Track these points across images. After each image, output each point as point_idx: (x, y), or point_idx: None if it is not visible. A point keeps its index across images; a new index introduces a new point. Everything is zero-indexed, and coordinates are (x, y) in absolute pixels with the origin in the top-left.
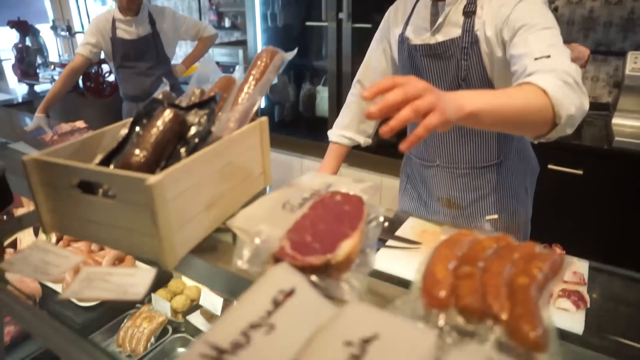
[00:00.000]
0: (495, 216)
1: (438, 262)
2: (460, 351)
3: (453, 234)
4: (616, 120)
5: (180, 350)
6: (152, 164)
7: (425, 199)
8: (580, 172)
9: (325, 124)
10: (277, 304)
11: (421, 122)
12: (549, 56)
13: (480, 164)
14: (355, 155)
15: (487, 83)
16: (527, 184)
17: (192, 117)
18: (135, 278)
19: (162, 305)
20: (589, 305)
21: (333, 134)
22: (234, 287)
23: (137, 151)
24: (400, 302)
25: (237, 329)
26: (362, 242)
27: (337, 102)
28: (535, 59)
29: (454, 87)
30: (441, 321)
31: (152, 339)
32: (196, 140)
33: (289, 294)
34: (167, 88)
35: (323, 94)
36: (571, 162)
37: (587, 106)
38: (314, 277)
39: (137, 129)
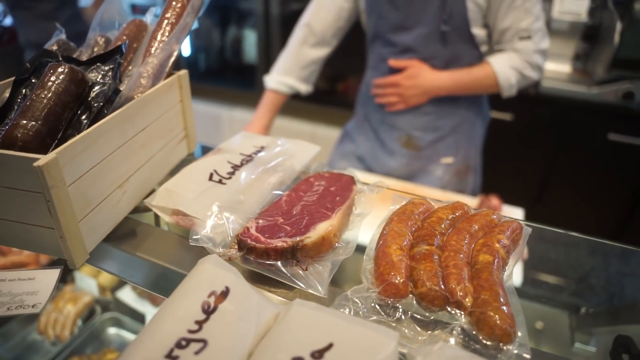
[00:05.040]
0: (451, 160)
1: (391, 241)
2: (425, 356)
3: (404, 203)
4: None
5: (112, 330)
6: (45, 138)
7: (383, 138)
8: (509, 117)
9: (253, 71)
10: (208, 311)
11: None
12: (529, 37)
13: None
14: (286, 104)
15: (466, 27)
16: (481, 127)
17: (95, 74)
18: (35, 283)
19: (88, 283)
20: (526, 257)
21: (272, 81)
22: (157, 279)
23: (23, 121)
24: (352, 293)
25: (162, 351)
26: (346, 224)
27: (266, 46)
28: (520, 38)
29: (436, 27)
30: (399, 313)
31: (79, 322)
32: (100, 103)
33: (222, 295)
34: (63, 36)
35: (250, 39)
36: (500, 107)
37: (535, 79)
38: (279, 264)
39: (24, 90)
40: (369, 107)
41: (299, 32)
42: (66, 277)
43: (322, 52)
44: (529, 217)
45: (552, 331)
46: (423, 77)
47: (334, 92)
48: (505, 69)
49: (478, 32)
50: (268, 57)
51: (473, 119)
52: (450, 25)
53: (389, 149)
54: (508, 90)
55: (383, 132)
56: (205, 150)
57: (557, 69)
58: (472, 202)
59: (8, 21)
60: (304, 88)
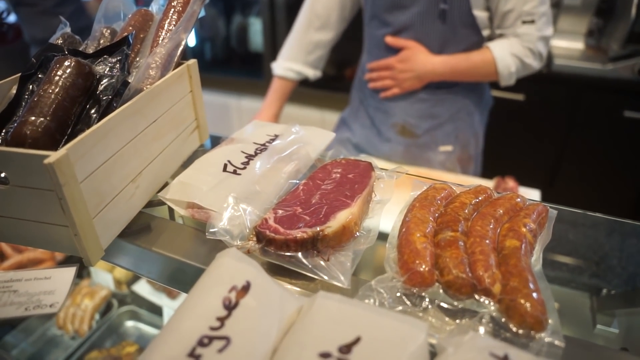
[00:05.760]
0: (450, 148)
1: (414, 229)
2: (457, 347)
3: (425, 189)
4: (555, 43)
5: (130, 323)
6: (54, 134)
7: (378, 125)
8: (521, 97)
9: (260, 59)
10: (229, 306)
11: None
12: (533, 21)
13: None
14: (294, 90)
15: (468, 7)
16: (481, 115)
17: (102, 67)
18: (51, 282)
19: (103, 278)
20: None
21: (279, 67)
22: (174, 273)
23: (31, 118)
24: (376, 283)
25: (184, 349)
26: (366, 212)
27: (272, 34)
28: (524, 22)
29: (433, 5)
30: (425, 302)
31: (97, 316)
32: (109, 96)
33: (244, 290)
34: (68, 29)
35: (256, 27)
36: (511, 87)
37: (535, 68)
38: (299, 256)
39: (31, 86)
40: (364, 93)
41: (302, 17)
42: (82, 272)
43: (328, 35)
44: (543, 198)
45: (573, 313)
46: (417, 61)
47: (342, 77)
48: (505, 55)
49: (480, 14)
50: (274, 45)
51: (472, 107)
52: (449, 4)
53: (385, 137)
54: (507, 78)
55: (378, 119)
56: (215, 140)
57: (570, 46)
58: (488, 185)
59: (12, 18)
60: (312, 73)
